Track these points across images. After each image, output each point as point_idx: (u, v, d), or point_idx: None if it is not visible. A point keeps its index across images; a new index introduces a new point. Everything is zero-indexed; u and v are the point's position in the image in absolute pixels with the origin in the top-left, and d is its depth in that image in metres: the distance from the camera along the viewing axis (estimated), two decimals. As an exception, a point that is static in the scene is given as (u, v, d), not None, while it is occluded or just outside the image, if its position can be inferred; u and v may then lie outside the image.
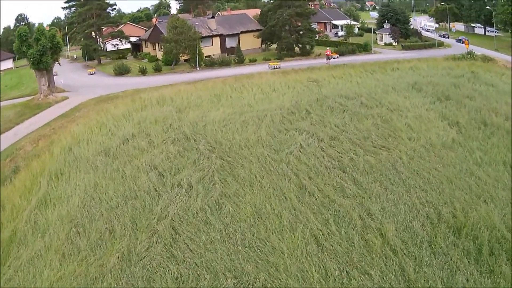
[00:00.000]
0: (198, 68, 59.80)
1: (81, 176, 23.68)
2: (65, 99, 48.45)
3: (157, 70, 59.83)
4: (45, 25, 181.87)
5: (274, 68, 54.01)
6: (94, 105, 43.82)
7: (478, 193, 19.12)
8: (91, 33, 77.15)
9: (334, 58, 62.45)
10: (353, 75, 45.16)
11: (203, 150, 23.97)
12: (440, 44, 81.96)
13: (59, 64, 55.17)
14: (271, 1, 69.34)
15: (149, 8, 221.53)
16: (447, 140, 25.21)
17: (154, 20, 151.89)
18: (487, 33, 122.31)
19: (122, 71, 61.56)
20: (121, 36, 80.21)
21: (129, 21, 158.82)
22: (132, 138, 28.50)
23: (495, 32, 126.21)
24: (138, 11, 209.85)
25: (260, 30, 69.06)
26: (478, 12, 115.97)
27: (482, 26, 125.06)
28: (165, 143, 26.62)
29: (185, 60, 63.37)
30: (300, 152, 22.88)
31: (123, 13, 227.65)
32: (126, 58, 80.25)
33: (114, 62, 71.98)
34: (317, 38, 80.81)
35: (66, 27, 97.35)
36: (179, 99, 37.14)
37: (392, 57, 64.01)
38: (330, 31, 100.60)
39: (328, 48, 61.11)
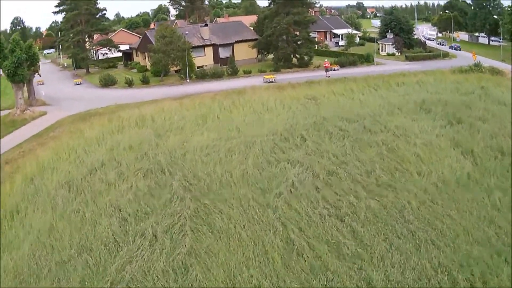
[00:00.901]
0: (188, 80, 56.66)
1: (38, 216, 20.61)
2: (43, 115, 45.19)
3: (145, 82, 56.60)
4: (42, 29, 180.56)
5: (269, 82, 50.82)
6: (70, 123, 40.50)
7: (499, 248, 15.78)
8: (80, 41, 74.05)
9: (334, 70, 59.29)
10: (355, 91, 41.98)
11: (178, 188, 20.72)
12: (445, 55, 79.06)
13: (39, 75, 52.31)
14: (269, 7, 65.79)
15: (148, 13, 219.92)
16: (461, 175, 21.97)
17: (151, 25, 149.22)
18: (491, 43, 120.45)
19: (108, 83, 58.44)
20: (109, 44, 77.16)
21: (125, 27, 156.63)
22: (101, 167, 25.32)
23: (500, 41, 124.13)
24: (137, 15, 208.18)
25: (256, 39, 65.70)
26: (483, 21, 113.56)
27: (486, 36, 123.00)
28: (136, 175, 23.40)
29: (176, 71, 60.22)
30: (291, 192, 19.58)
31: (122, 17, 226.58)
32: (116, 67, 77.61)
33: (103, 71, 69.35)
34: (316, 48, 77.90)
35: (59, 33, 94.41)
36: (161, 120, 33.96)
37: (396, 69, 60.86)
38: (330, 40, 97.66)
39: (326, 60, 57.88)
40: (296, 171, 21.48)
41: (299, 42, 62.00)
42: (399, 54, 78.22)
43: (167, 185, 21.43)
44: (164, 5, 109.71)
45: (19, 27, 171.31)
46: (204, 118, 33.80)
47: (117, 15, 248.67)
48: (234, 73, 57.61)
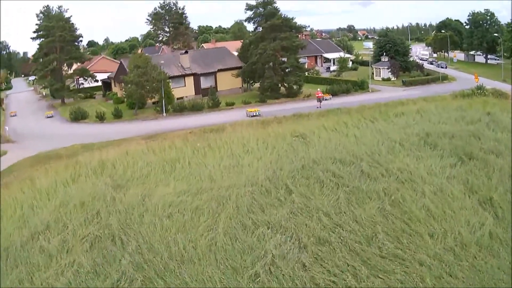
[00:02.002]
0: (164, 114, 53.01)
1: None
2: (3, 154, 41.49)
3: (117, 116, 52.80)
4: (30, 54, 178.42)
5: (253, 116, 47.03)
6: (27, 168, 36.59)
7: None
8: (55, 69, 71.04)
9: (326, 99, 55.81)
10: (350, 125, 38.33)
11: (128, 265, 16.69)
12: (444, 78, 76.06)
13: (3, 109, 48.91)
14: (254, 32, 62.56)
15: (137, 38, 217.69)
16: (483, 234, 18.20)
17: (139, 51, 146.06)
18: (488, 61, 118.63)
19: (78, 117, 54.72)
20: (85, 74, 73.86)
21: (112, 53, 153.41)
22: (45, 231, 21.39)
23: (497, 59, 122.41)
24: (126, 41, 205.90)
25: (241, 67, 62.21)
26: (480, 40, 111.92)
27: (481, 54, 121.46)
28: (82, 244, 19.38)
29: (154, 103, 56.50)
30: (270, 272, 15.54)
31: (111, 42, 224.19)
32: (94, 98, 74.29)
33: (78, 102, 67.49)
34: (307, 74, 74.71)
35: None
36: (123, 166, 30.09)
37: (394, 96, 57.59)
38: (321, 65, 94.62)
39: (319, 89, 54.27)
40: (277, 240, 17.50)
41: (287, 70, 58.38)
42: (395, 78, 75.10)
43: (116, 260, 17.48)
44: (153, 30, 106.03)
45: (4, 52, 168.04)
46: (173, 163, 29.93)
47: (106, 40, 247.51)
48: (215, 105, 53.97)
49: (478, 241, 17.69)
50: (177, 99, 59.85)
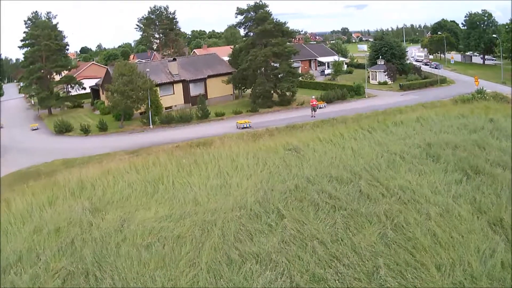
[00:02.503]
0: (151, 126, 51.13)
1: None
2: (-13, 171, 39.68)
3: (102, 128, 50.95)
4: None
5: (244, 128, 45.22)
6: (6, 187, 34.75)
7: None
8: (41, 78, 69.75)
9: (321, 107, 54.21)
10: (346, 136, 36.63)
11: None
12: (443, 81, 74.63)
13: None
14: (245, 38, 60.86)
15: (130, 44, 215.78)
16: (494, 264, 16.43)
17: (131, 57, 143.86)
18: (486, 62, 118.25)
19: (62, 129, 52.86)
20: (71, 82, 72.43)
21: (103, 59, 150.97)
22: (17, 263, 19.53)
23: (494, 60, 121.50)
24: (120, 47, 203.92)
25: (231, 73, 60.53)
26: (477, 41, 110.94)
27: (478, 55, 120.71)
28: (54, 280, 17.62)
29: (141, 113, 54.77)
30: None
31: (104, 48, 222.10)
32: (82, 107, 72.29)
33: (65, 112, 66.57)
34: (300, 79, 73.10)
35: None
36: (103, 187, 28.23)
37: (391, 102, 56.14)
38: (316, 69, 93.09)
39: (313, 97, 52.56)
40: (267, 278, 15.72)
41: (279, 76, 56.54)
42: (392, 82, 73.61)
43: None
44: (143, 36, 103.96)
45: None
46: (156, 183, 28.10)
47: (99, 46, 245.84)
48: (204, 116, 52.12)
49: (489, 273, 16.00)
50: (166, 108, 58.40)
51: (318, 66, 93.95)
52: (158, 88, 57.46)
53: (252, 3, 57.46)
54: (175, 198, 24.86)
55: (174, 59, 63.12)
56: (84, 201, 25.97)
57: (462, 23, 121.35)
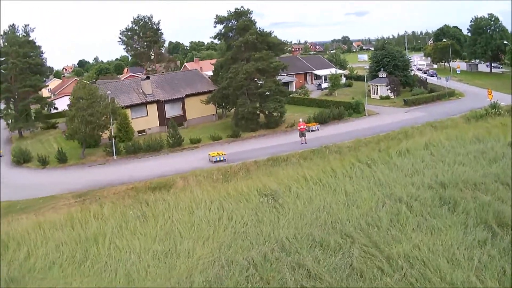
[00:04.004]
0: (115, 157, 44.05)
1: None
2: None
3: (61, 160, 43.97)
4: None
5: (217, 161, 37.83)
6: None
7: None
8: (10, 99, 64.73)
9: (313, 130, 46.96)
10: (339, 173, 29.47)
11: None
12: (451, 94, 67.35)
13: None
14: (226, 52, 53.55)
15: (128, 57, 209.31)
16: None
17: (125, 71, 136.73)
18: (493, 70, 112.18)
19: (20, 160, 46.22)
20: (41, 102, 67.41)
21: (95, 73, 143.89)
22: None
23: (501, 67, 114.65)
24: (116, 59, 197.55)
25: (212, 91, 53.35)
26: (484, 48, 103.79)
27: (483, 62, 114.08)
28: None
29: (111, 138, 48.25)
30: None
31: (101, 61, 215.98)
32: (56, 128, 66.09)
33: (36, 135, 61.91)
34: (293, 94, 66.05)
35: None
36: (27, 249, 21.81)
37: (395, 122, 49.06)
38: (312, 83, 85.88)
39: (300, 120, 45.21)
40: None
41: (267, 93, 49.09)
42: (395, 97, 66.34)
43: None
44: (125, 49, 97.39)
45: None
46: (91, 245, 21.31)
47: (96, 59, 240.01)
48: (176, 143, 44.89)
49: None
50: (139, 132, 51.96)
51: (315, 79, 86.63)
52: (129, 110, 51.02)
53: (233, 9, 49.98)
54: (106, 270, 18.31)
55: (148, 77, 56.07)
56: (3, 267, 19.21)
57: (467, 29, 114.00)
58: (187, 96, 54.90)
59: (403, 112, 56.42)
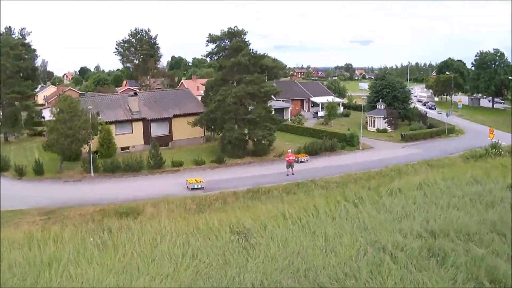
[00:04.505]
0: (92, 174, 42.00)
1: None
2: None
3: (38, 172, 42.24)
4: None
5: (194, 189, 35.60)
6: None
7: None
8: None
9: (302, 161, 44.86)
10: (322, 212, 26.82)
11: None
12: (451, 131, 65.43)
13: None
14: (217, 72, 51.71)
15: (129, 67, 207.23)
16: None
17: (124, 83, 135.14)
18: (495, 105, 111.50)
19: (-2, 169, 44.39)
20: (28, 110, 66.71)
21: (93, 83, 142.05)
22: None
23: (503, 103, 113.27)
24: (118, 70, 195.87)
25: (200, 113, 51.27)
26: (487, 82, 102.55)
27: (485, 97, 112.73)
28: None
29: (94, 152, 46.49)
30: None
31: (102, 70, 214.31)
32: (43, 135, 63.90)
33: (21, 141, 61.12)
34: (287, 121, 64.24)
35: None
36: None
37: (389, 158, 47.03)
38: (308, 110, 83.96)
39: (289, 151, 42.96)
40: None
41: (256, 119, 46.39)
42: (393, 130, 64.39)
43: None
44: (121, 61, 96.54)
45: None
46: (42, 272, 18.63)
47: (97, 67, 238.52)
48: (157, 165, 42.75)
49: None
50: (122, 149, 50.42)
51: (312, 106, 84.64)
52: (113, 126, 49.64)
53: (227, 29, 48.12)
54: None
55: (135, 94, 54.24)
56: None
57: (472, 63, 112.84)
58: (175, 116, 52.87)
59: (399, 147, 54.43)
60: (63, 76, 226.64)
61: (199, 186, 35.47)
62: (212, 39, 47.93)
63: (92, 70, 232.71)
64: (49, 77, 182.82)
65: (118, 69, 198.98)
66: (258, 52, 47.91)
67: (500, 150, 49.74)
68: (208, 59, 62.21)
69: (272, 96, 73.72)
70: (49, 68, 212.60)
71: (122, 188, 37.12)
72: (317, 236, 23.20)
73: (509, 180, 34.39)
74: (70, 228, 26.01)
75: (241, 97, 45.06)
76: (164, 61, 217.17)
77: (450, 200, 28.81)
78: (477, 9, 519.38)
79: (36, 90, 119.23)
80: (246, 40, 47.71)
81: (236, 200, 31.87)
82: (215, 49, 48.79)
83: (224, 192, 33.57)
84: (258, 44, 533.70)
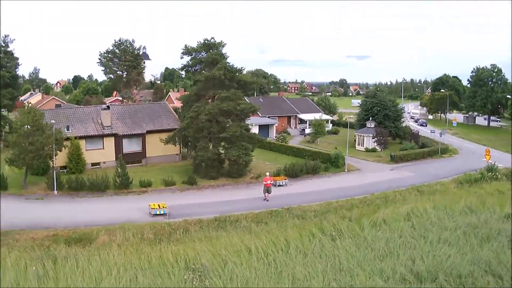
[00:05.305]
0: (55, 192, 39.22)
1: None
2: None
3: (2, 187, 39.72)
4: None
5: (157, 215, 32.43)
6: None
7: None
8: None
9: (280, 184, 41.92)
10: (293, 247, 24.34)
11: None
12: (444, 150, 62.76)
13: None
14: (192, 86, 48.85)
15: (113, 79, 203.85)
16: None
17: (114, 94, 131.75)
18: (490, 124, 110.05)
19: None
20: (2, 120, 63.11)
21: (82, 92, 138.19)
22: None
23: (499, 122, 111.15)
24: (110, 79, 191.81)
25: (174, 130, 48.23)
26: (483, 100, 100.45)
27: (481, 115, 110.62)
28: None
29: (61, 168, 45.29)
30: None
31: (95, 80, 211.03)
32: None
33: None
34: (270, 139, 61.42)
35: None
36: None
37: (376, 181, 44.19)
38: (295, 127, 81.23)
39: (267, 174, 40.05)
40: None
41: (231, 138, 42.83)
42: (382, 150, 61.64)
43: None
44: (104, 72, 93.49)
45: None
46: None
47: (90, 76, 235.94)
48: (124, 185, 39.76)
49: None
50: (93, 165, 48.00)
51: (299, 123, 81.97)
52: (83, 141, 47.29)
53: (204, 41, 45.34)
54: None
55: (108, 107, 51.19)
56: None
57: (468, 80, 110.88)
58: (148, 132, 49.91)
59: (388, 169, 51.50)
60: (56, 84, 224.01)
61: (162, 212, 32.31)
62: (187, 51, 45.14)
63: (86, 78, 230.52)
64: (38, 85, 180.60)
65: (110, 78, 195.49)
66: (237, 67, 44.89)
67: (497, 174, 47.14)
68: (183, 72, 59.29)
69: (258, 113, 71.49)
70: (43, 76, 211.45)
71: (82, 211, 34.04)
72: (283, 278, 20.24)
73: (506, 209, 31.65)
74: (15, 254, 23.18)
75: (215, 114, 41.90)
76: (158, 73, 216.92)
77: (441, 233, 26.03)
78: (476, 23, 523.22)
79: (23, 97, 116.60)
80: (223, 52, 44.89)
81: (199, 230, 28.87)
82: (190, 62, 45.91)
83: (187, 220, 30.48)
84: (256, 58, 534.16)
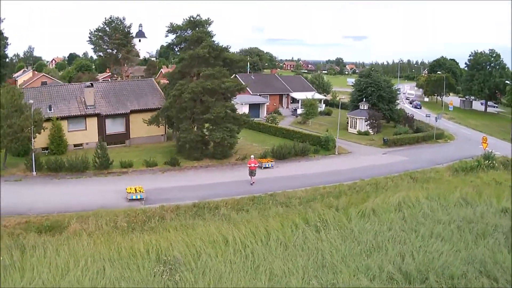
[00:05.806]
0: (34, 173, 37.84)
1: None
2: None
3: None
4: None
5: (133, 199, 30.79)
6: None
7: None
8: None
9: (266, 166, 40.52)
10: (273, 237, 23.19)
11: None
12: (440, 136, 61.32)
13: None
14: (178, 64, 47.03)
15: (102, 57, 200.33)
16: None
17: (107, 70, 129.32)
18: (488, 109, 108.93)
19: None
20: None
21: (75, 68, 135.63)
22: None
23: (496, 107, 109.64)
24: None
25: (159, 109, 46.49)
26: (481, 85, 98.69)
27: (478, 100, 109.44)
28: None
29: (43, 149, 43.98)
30: None
31: (91, 57, 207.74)
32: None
33: None
34: (263, 120, 59.85)
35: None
36: None
37: (368, 165, 42.82)
38: (287, 107, 79.39)
39: (252, 157, 38.17)
40: None
41: (215, 118, 41.17)
42: (375, 133, 60.11)
43: None
44: (93, 49, 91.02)
45: None
46: None
47: (85, 54, 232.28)
48: (103, 166, 38.25)
49: None
50: (75, 146, 46.32)
51: (291, 103, 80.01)
52: (65, 122, 45.57)
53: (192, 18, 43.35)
54: None
55: (91, 85, 49.11)
56: None
57: (465, 63, 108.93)
58: (132, 112, 48.14)
59: (381, 153, 50.04)
60: (51, 61, 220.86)
61: (138, 197, 30.72)
62: (173, 28, 43.23)
63: (81, 55, 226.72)
64: (30, 62, 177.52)
65: (100, 56, 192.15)
66: (223, 45, 42.94)
67: (494, 162, 45.81)
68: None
69: (248, 89, 69.59)
70: (38, 54, 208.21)
71: (59, 193, 32.46)
72: (260, 273, 18.94)
73: (504, 202, 30.37)
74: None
75: (199, 93, 40.12)
76: (154, 50, 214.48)
77: (434, 227, 25.15)
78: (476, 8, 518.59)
79: (16, 75, 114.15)
80: (209, 31, 43.06)
81: (176, 216, 27.46)
82: (175, 40, 44.12)
83: (164, 206, 28.95)
84: (252, 36, 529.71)
